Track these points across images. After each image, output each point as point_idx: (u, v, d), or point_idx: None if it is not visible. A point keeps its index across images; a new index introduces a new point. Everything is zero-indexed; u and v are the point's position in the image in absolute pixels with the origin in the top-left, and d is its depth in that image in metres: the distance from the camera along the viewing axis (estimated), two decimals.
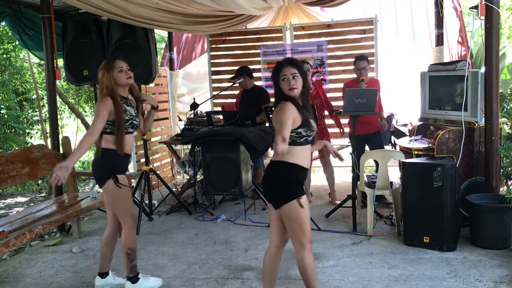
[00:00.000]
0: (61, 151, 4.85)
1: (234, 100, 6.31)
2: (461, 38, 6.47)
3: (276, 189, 2.74)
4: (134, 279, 3.34)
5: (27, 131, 9.57)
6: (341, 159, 3.12)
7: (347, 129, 5.50)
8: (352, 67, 5.18)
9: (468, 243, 3.98)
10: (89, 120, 11.32)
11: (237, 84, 5.79)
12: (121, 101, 3.26)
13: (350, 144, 5.63)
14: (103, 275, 3.46)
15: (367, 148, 5.25)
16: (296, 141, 2.71)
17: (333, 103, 5.67)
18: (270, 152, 6.45)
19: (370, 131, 5.14)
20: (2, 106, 9.03)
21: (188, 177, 6.09)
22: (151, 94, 6.70)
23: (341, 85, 6.32)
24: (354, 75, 5.33)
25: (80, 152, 3.02)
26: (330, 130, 5.58)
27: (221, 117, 5.80)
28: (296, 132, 2.69)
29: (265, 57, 6.81)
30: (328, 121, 5.64)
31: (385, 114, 5.53)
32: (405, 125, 6.04)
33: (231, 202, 5.80)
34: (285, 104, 2.69)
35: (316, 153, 5.54)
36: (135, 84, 3.44)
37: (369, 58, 5.31)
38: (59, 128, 6.80)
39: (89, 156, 13.22)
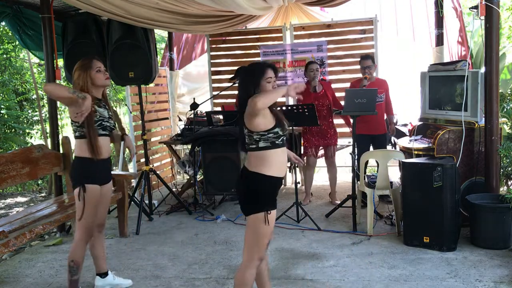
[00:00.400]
0: (61, 151, 4.85)
1: (234, 100, 6.31)
2: (461, 38, 6.47)
3: (247, 198, 2.66)
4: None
5: (27, 131, 9.57)
6: (300, 162, 3.18)
7: (346, 129, 5.50)
8: (352, 67, 5.20)
9: (468, 243, 3.98)
10: None
11: (237, 84, 5.77)
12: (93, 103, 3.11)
13: (350, 144, 5.63)
14: (102, 275, 3.46)
15: (371, 148, 5.26)
16: (275, 143, 2.63)
17: None
18: None
19: (378, 132, 5.14)
20: (2, 106, 9.03)
21: (188, 177, 6.09)
22: (151, 94, 6.70)
23: (341, 85, 6.33)
24: (354, 75, 5.34)
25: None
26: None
27: (221, 117, 5.80)
28: (273, 132, 2.63)
29: (265, 57, 6.80)
30: (336, 121, 5.63)
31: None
32: (405, 125, 6.04)
33: (231, 202, 5.80)
34: None
35: (320, 152, 5.55)
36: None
37: (373, 58, 5.28)
38: (59, 128, 6.79)
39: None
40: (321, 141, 5.36)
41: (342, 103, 5.12)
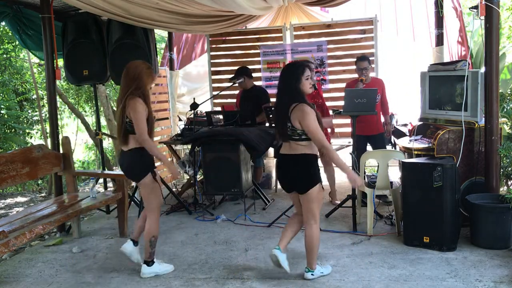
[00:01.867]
0: (61, 151, 4.85)
1: (234, 100, 6.31)
2: (461, 38, 6.48)
3: (307, 176, 3.25)
4: (150, 263, 3.61)
5: (27, 131, 9.58)
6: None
7: (345, 129, 5.50)
8: (352, 67, 5.18)
9: (468, 243, 3.98)
10: (89, 120, 11.33)
11: (237, 84, 5.80)
12: None
13: (350, 144, 5.64)
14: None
15: (370, 148, 5.25)
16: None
17: (334, 103, 5.67)
18: (270, 152, 6.45)
19: (373, 133, 5.14)
20: (2, 106, 9.04)
21: (188, 177, 6.09)
22: (151, 94, 6.69)
23: (341, 85, 6.33)
24: (354, 75, 5.33)
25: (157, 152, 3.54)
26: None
27: (221, 117, 5.80)
28: None
29: (265, 57, 6.81)
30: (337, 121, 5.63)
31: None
32: (405, 125, 6.04)
33: (231, 202, 5.80)
34: (309, 108, 3.17)
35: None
36: None
37: (369, 58, 5.29)
38: (59, 128, 6.80)
39: (88, 156, 13.23)
40: None
41: (341, 103, 5.12)
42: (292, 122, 3.19)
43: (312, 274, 3.41)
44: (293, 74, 3.19)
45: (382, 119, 5.35)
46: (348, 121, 5.50)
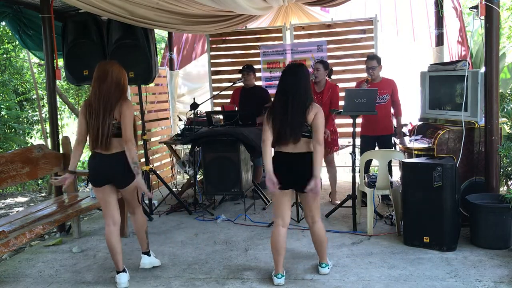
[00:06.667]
0: (61, 151, 4.85)
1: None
2: (461, 38, 6.48)
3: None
4: (149, 253, 3.79)
5: (27, 131, 9.58)
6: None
7: (346, 129, 5.49)
8: (352, 67, 5.18)
9: (468, 243, 3.98)
10: None
11: (237, 84, 5.81)
12: None
13: (350, 144, 5.63)
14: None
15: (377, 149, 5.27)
16: None
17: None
18: None
19: (383, 133, 5.15)
20: (2, 106, 9.04)
21: (188, 177, 6.09)
22: (151, 94, 6.71)
23: (341, 85, 6.29)
24: (354, 75, 5.33)
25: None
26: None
27: (221, 117, 5.80)
28: None
29: (265, 57, 6.81)
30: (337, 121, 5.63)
31: None
32: (405, 125, 6.03)
33: (231, 202, 5.80)
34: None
35: None
36: None
37: (379, 58, 5.24)
38: (59, 128, 6.79)
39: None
40: None
41: (341, 103, 5.10)
42: (309, 120, 3.29)
43: (328, 268, 3.54)
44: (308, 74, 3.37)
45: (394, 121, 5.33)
46: (350, 120, 5.49)
